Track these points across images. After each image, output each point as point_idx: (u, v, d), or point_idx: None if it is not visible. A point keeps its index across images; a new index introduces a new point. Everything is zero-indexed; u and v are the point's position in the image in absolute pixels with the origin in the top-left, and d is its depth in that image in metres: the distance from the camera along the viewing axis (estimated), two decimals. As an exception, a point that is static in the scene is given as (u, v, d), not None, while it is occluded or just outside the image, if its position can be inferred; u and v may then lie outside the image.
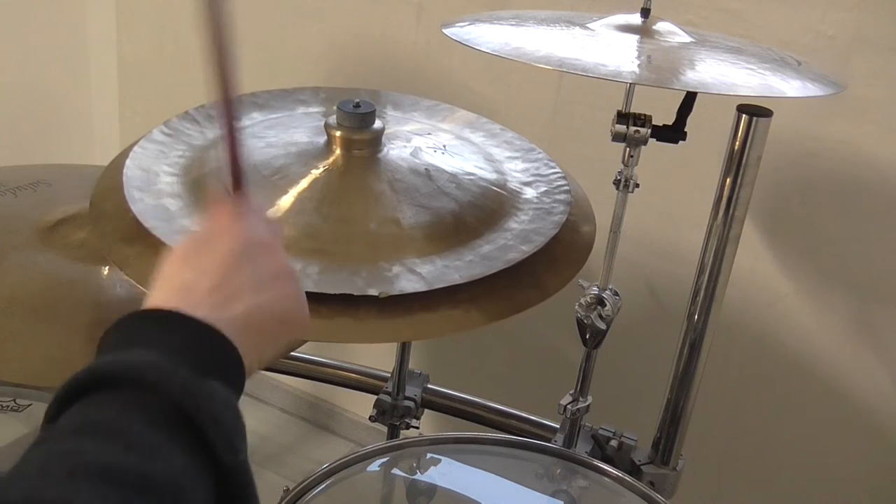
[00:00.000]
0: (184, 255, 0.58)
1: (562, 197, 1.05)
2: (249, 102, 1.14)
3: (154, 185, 0.96)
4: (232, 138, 0.64)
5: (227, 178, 0.63)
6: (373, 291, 0.84)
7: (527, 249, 0.94)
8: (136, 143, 1.04)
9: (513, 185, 1.06)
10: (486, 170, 1.07)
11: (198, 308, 0.52)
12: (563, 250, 0.99)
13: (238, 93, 0.64)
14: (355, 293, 0.84)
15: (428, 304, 0.86)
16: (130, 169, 0.97)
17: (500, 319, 0.88)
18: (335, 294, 0.83)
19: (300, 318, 0.61)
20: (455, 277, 0.88)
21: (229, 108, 0.64)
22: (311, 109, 1.16)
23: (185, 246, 0.59)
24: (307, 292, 0.82)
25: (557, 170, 1.10)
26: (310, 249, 0.89)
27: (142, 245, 0.88)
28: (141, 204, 0.92)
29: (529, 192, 1.06)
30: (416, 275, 0.88)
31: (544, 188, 1.07)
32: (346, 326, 0.84)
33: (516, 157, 1.12)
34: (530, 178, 1.08)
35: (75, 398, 0.46)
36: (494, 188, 1.04)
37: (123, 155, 1.02)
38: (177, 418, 0.45)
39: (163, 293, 0.55)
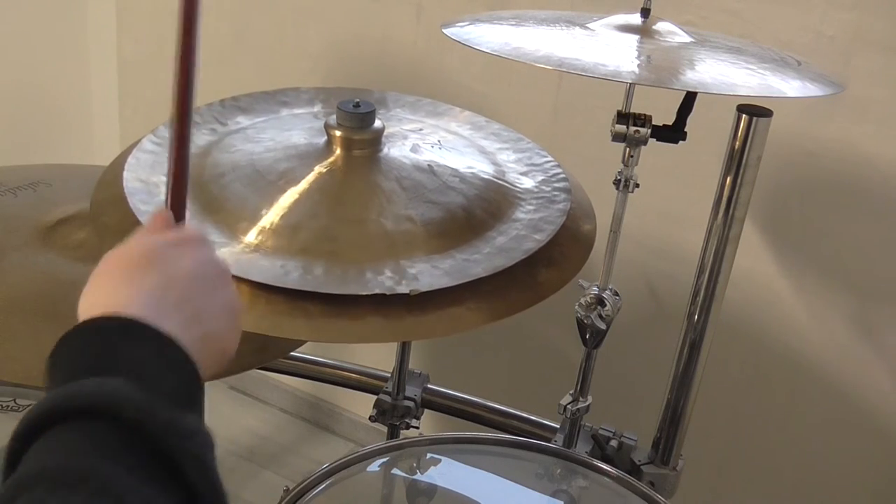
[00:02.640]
0: (147, 255, 0.54)
1: (561, 185, 1.06)
2: (232, 106, 1.13)
3: (156, 196, 0.95)
4: (180, 162, 0.61)
5: (174, 205, 0.60)
6: (402, 289, 0.84)
7: (541, 238, 0.95)
8: (127, 151, 1.02)
9: (511, 175, 1.07)
10: (483, 162, 1.07)
11: (166, 321, 0.49)
12: (571, 238, 1.00)
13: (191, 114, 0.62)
14: (387, 292, 0.84)
15: (455, 299, 0.87)
16: (130, 181, 0.96)
17: (526, 309, 0.89)
18: (367, 295, 0.83)
19: (231, 355, 0.58)
20: (478, 271, 0.88)
21: (183, 124, 0.62)
22: (297, 111, 1.15)
23: (147, 245, 0.55)
24: (338, 294, 0.84)
25: (549, 158, 1.11)
26: (328, 252, 0.89)
27: None
28: (149, 216, 0.91)
29: (528, 182, 1.06)
30: (439, 270, 0.88)
31: (541, 177, 1.07)
32: (378, 325, 0.84)
33: (506, 148, 1.13)
34: (526, 168, 1.09)
35: (48, 428, 0.43)
36: (495, 180, 1.04)
37: (116, 166, 1.01)
38: (164, 464, 0.43)
39: (129, 289, 0.51)
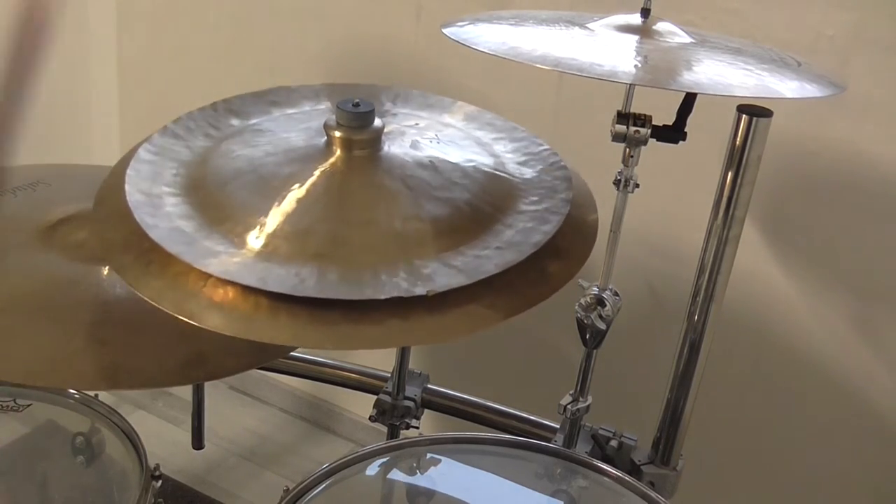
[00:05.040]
0: None
1: (560, 173, 1.04)
2: (224, 109, 1.12)
3: (161, 208, 0.93)
4: None
5: None
6: (420, 290, 0.83)
7: (548, 230, 0.94)
8: (123, 162, 1.01)
9: (511, 166, 1.06)
10: (482, 154, 1.06)
11: None
12: (575, 227, 0.99)
13: None
14: (404, 295, 0.83)
15: (471, 297, 0.86)
16: (133, 195, 0.94)
17: (542, 301, 0.89)
18: (385, 299, 0.83)
19: None
20: (491, 267, 0.88)
21: None
22: (289, 110, 1.14)
23: None
24: (355, 300, 0.83)
25: (546, 146, 1.10)
26: (341, 256, 0.88)
27: (168, 277, 0.86)
28: (157, 231, 0.89)
29: (528, 172, 1.05)
30: (452, 269, 0.87)
31: (540, 166, 1.06)
32: (400, 329, 0.83)
33: (502, 138, 1.12)
34: (524, 158, 1.08)
35: None
36: (497, 172, 1.03)
37: (114, 178, 0.99)
38: None
39: None
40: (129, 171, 0.98)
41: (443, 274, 0.87)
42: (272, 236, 0.89)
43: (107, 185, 1.00)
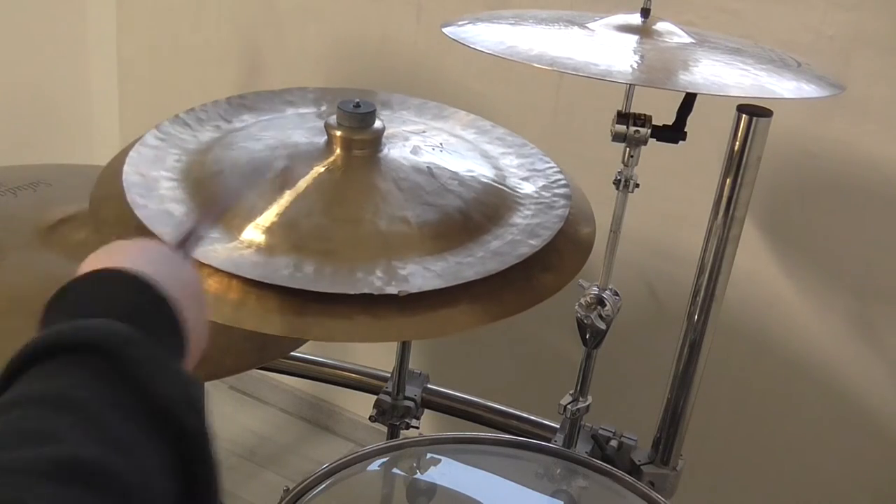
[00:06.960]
0: (152, 259, 0.59)
1: (561, 191, 1.05)
2: (238, 104, 1.13)
3: (155, 190, 0.95)
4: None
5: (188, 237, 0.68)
6: (391, 290, 0.84)
7: (535, 244, 0.95)
8: (130, 147, 1.03)
9: (512, 180, 1.07)
10: (484, 166, 1.07)
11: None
12: (569, 243, 1.00)
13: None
14: (375, 292, 0.84)
15: (448, 301, 0.87)
16: (129, 175, 0.96)
17: (520, 312, 0.89)
18: (354, 294, 0.84)
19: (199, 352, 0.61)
20: (470, 274, 0.88)
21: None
22: (302, 110, 1.15)
23: (151, 253, 0.60)
24: (327, 293, 0.84)
25: (552, 164, 1.11)
26: (321, 250, 0.89)
27: None
28: (145, 210, 0.90)
29: (528, 188, 1.06)
30: (430, 272, 0.88)
31: (542, 182, 1.07)
32: (368, 325, 0.84)
33: (510, 153, 1.13)
34: (527, 174, 1.09)
35: (39, 362, 0.44)
36: (495, 184, 1.04)
37: (118, 161, 1.01)
38: (159, 412, 0.44)
39: (134, 260, 0.55)
40: (131, 153, 1.00)
41: (420, 276, 0.87)
42: (257, 226, 0.91)
43: (109, 168, 1.02)
